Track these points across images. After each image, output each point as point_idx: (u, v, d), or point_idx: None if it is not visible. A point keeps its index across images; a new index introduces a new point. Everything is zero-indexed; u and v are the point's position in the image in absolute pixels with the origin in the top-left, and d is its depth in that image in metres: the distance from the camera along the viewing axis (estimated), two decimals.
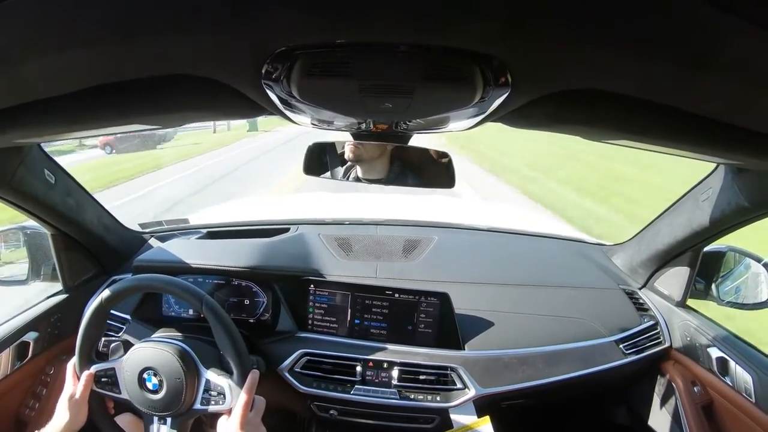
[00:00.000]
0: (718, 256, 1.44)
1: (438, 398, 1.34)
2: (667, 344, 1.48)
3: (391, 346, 1.40)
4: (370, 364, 1.38)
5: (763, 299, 1.34)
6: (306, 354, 1.40)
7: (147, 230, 1.89)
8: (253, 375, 1.06)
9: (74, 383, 1.11)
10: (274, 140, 21.00)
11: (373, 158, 1.26)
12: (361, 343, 1.42)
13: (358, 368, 1.37)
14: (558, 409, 1.92)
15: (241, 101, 0.69)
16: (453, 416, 1.33)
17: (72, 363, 1.13)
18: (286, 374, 1.38)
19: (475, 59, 0.53)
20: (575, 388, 1.45)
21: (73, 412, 1.07)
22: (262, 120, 22.21)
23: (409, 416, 1.38)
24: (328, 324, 1.45)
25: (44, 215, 1.31)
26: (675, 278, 1.49)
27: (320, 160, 1.29)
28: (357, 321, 1.44)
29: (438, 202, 2.68)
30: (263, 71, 0.57)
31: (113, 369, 1.12)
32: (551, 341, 1.40)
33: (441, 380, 1.35)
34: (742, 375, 1.23)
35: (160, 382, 1.06)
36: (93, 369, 1.12)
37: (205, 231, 1.87)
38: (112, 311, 1.18)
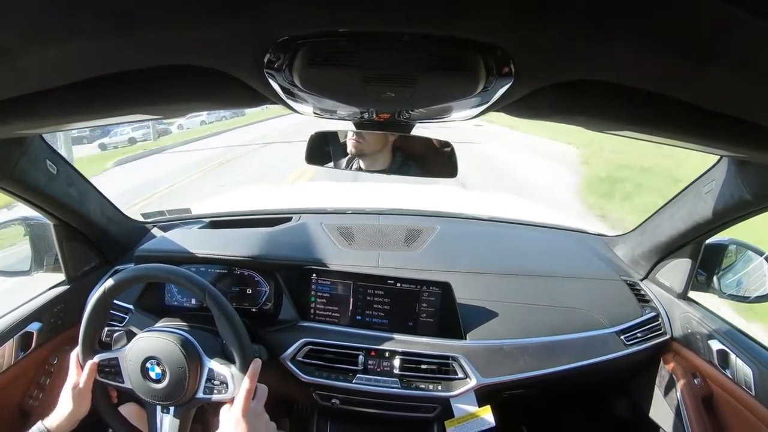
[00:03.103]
0: (720, 248, 1.44)
1: (439, 387, 1.35)
2: (668, 336, 1.48)
3: (392, 336, 1.41)
4: (372, 353, 1.39)
5: (765, 293, 1.34)
6: (308, 343, 1.40)
7: (149, 220, 1.89)
8: (255, 364, 1.07)
9: (77, 373, 1.12)
10: None
11: (375, 151, 1.25)
12: (363, 332, 1.43)
13: (360, 357, 1.37)
14: (559, 400, 1.93)
15: (242, 91, 0.68)
16: (454, 405, 1.34)
17: (75, 353, 1.14)
18: (289, 363, 1.39)
19: (478, 49, 0.52)
20: (576, 378, 1.45)
21: (76, 401, 1.08)
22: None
23: (411, 405, 1.39)
24: (330, 313, 1.46)
25: (46, 206, 1.31)
26: (677, 270, 1.48)
27: (322, 149, 1.28)
28: (359, 310, 1.45)
29: (440, 191, 2.68)
30: (265, 60, 0.56)
31: (116, 358, 1.13)
32: (553, 332, 1.41)
33: (442, 369, 1.36)
34: (742, 368, 1.24)
35: (163, 371, 1.07)
36: (96, 358, 1.13)
37: (207, 221, 1.88)
38: (114, 301, 1.19)
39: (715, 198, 1.18)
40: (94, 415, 1.15)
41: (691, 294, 1.49)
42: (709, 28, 0.40)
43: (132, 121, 0.97)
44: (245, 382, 1.03)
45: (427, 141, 1.22)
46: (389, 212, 1.93)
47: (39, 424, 1.04)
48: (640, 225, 1.65)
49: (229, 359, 1.10)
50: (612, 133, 0.87)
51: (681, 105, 0.58)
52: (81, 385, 1.09)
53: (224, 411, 1.05)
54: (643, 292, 1.57)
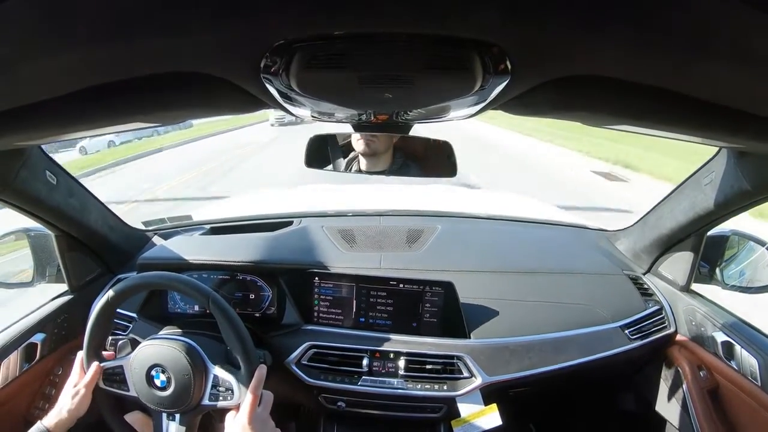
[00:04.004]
0: (722, 240, 1.44)
1: (445, 387, 1.35)
2: (672, 329, 1.48)
3: (396, 337, 1.41)
4: (377, 354, 1.39)
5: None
6: (312, 346, 1.40)
7: (150, 228, 1.89)
8: (261, 370, 1.07)
9: (80, 373, 1.13)
10: None
11: (380, 152, 1.26)
12: (366, 334, 1.42)
13: (365, 359, 1.37)
14: (564, 397, 1.92)
15: (240, 96, 0.69)
16: (460, 405, 1.34)
17: (81, 354, 1.14)
18: (293, 367, 1.39)
19: (474, 47, 0.52)
20: (581, 374, 1.45)
21: (76, 400, 1.08)
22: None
23: (417, 406, 1.39)
24: (333, 316, 1.46)
25: (47, 217, 1.31)
26: (679, 263, 1.48)
27: (321, 152, 1.29)
28: (362, 312, 1.45)
29: (440, 191, 2.68)
30: (262, 65, 0.57)
31: (121, 366, 1.13)
32: (557, 328, 1.40)
33: (447, 369, 1.36)
34: (747, 359, 1.23)
35: (168, 378, 1.07)
36: (102, 365, 1.13)
37: (208, 227, 1.88)
38: (118, 310, 1.19)
39: (715, 190, 1.18)
40: (100, 424, 1.15)
41: (694, 286, 1.49)
42: (706, 19, 0.40)
43: (131, 129, 0.97)
44: (251, 389, 1.04)
45: (427, 141, 1.22)
46: (390, 213, 1.92)
47: (38, 424, 1.05)
48: (641, 219, 1.65)
49: (234, 366, 1.10)
50: (610, 127, 0.87)
51: (679, 97, 0.58)
52: (83, 385, 1.10)
53: (230, 418, 1.05)
54: (646, 286, 1.57)
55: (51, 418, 1.06)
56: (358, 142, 1.27)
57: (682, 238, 1.43)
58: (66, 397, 1.09)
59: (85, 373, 1.12)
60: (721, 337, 1.32)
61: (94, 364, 1.12)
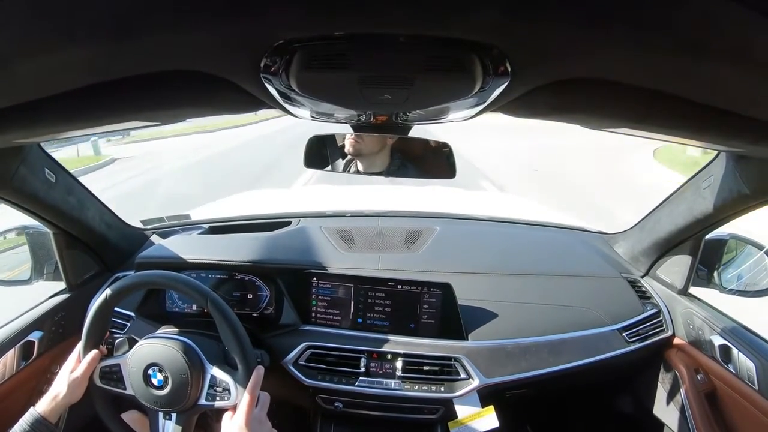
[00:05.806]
0: (720, 243, 1.44)
1: (442, 388, 1.35)
2: (669, 332, 1.48)
3: (394, 338, 1.41)
4: (374, 355, 1.39)
5: (766, 287, 1.34)
6: (310, 347, 1.40)
7: (149, 227, 1.89)
8: (258, 371, 1.07)
9: (77, 360, 1.12)
10: None
11: (374, 152, 1.25)
12: (364, 335, 1.42)
13: (362, 360, 1.37)
14: (562, 399, 1.93)
15: (240, 95, 0.69)
16: (457, 406, 1.34)
17: (80, 345, 1.13)
18: (291, 367, 1.39)
19: (474, 49, 0.52)
20: (579, 377, 1.45)
21: (71, 387, 1.08)
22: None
23: (414, 407, 1.39)
24: (331, 316, 1.46)
25: (46, 214, 1.31)
26: (677, 266, 1.48)
27: (320, 152, 1.28)
28: (360, 313, 1.44)
29: (439, 192, 2.68)
30: (262, 65, 0.57)
31: (118, 365, 1.13)
32: (554, 330, 1.40)
33: (445, 371, 1.36)
34: (744, 363, 1.24)
35: (165, 378, 1.06)
36: (99, 362, 1.13)
37: (206, 226, 1.88)
38: (116, 308, 1.19)
39: (714, 193, 1.18)
40: (97, 422, 1.15)
41: (692, 290, 1.49)
42: (706, 22, 0.40)
43: (131, 128, 0.97)
44: (248, 390, 1.03)
45: (426, 142, 1.22)
46: (388, 214, 1.92)
47: (32, 410, 1.04)
48: (639, 222, 1.65)
49: (231, 366, 1.10)
50: (609, 130, 0.87)
51: (678, 100, 0.58)
52: (79, 373, 1.09)
53: (226, 418, 1.05)
54: (644, 289, 1.57)
55: (44, 405, 1.06)
56: (347, 142, 1.27)
57: (681, 241, 1.43)
58: (61, 384, 1.08)
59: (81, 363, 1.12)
60: (718, 340, 1.32)
61: (93, 351, 1.12)
